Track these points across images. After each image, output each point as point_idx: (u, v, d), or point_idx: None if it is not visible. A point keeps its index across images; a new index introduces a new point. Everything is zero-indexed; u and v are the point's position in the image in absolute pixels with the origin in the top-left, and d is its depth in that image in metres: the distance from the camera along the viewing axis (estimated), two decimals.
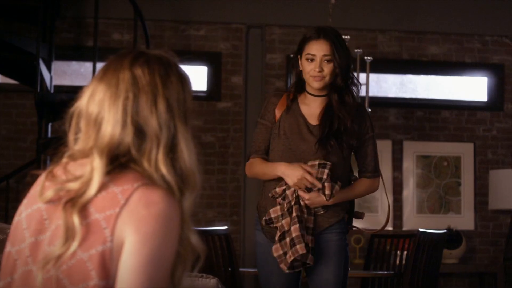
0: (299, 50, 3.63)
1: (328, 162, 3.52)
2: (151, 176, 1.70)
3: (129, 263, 1.62)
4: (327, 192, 3.51)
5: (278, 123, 3.65)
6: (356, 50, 6.34)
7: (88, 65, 6.98)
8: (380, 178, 3.77)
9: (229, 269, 5.05)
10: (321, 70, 3.55)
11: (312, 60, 3.57)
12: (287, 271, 3.52)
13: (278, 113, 3.67)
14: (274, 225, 3.58)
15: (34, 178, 1.82)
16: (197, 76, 7.17)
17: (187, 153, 1.74)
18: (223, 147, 7.08)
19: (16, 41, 6.13)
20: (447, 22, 7.34)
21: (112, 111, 1.72)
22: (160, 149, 1.71)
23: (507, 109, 7.46)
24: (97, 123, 1.73)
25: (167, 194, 1.68)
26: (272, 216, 3.58)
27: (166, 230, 1.65)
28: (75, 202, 1.67)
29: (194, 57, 7.10)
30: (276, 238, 3.53)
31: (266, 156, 3.70)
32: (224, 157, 7.07)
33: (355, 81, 3.64)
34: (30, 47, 6.07)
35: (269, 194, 3.63)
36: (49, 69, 6.32)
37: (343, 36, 3.76)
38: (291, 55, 6.35)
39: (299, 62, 3.64)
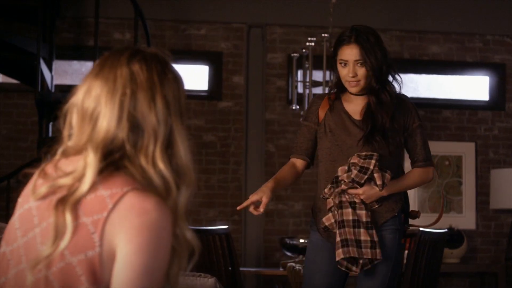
0: (334, 54, 3.62)
1: (375, 153, 3.49)
2: (144, 175, 1.70)
3: (123, 275, 1.62)
4: (378, 182, 3.47)
5: (323, 122, 3.64)
6: None
7: (89, 65, 6.98)
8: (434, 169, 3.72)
9: (230, 268, 5.04)
10: (355, 75, 3.54)
11: (345, 65, 3.56)
12: (358, 272, 3.50)
13: (322, 114, 3.65)
14: (334, 231, 3.56)
15: (28, 177, 1.81)
16: (198, 76, 7.16)
17: (183, 149, 1.74)
18: (224, 146, 7.08)
19: (17, 41, 6.13)
20: (448, 22, 7.33)
21: (108, 106, 1.72)
22: (158, 145, 1.71)
23: (509, 108, 7.45)
24: (93, 119, 1.73)
25: (159, 201, 1.68)
26: (327, 224, 3.56)
27: (159, 240, 1.65)
28: (67, 200, 1.67)
29: (195, 57, 7.10)
30: (339, 245, 3.49)
31: (306, 156, 3.69)
32: (225, 156, 7.07)
33: (395, 77, 3.65)
34: (31, 47, 6.07)
35: (320, 196, 3.62)
36: (50, 68, 6.32)
37: None
38: (293, 55, 6.36)
39: (336, 64, 3.62)
